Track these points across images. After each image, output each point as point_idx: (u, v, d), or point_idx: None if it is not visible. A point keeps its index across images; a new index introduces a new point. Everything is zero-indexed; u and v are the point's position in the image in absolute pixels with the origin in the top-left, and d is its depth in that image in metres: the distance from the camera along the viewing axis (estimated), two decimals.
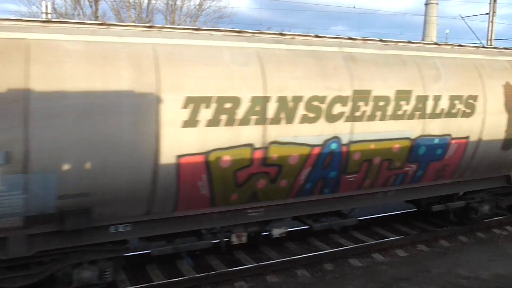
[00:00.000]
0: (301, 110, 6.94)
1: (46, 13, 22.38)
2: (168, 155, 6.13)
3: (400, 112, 7.88)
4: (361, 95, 7.48)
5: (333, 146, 7.35)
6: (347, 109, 7.34)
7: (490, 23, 23.73)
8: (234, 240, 7.59)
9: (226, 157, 6.52)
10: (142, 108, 5.94)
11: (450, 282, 8.11)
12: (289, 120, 6.87)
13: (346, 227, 9.68)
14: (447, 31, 75.60)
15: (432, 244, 9.83)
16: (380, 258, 9.01)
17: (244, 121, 6.53)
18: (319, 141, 7.19)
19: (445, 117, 8.41)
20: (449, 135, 8.52)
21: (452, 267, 8.68)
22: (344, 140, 7.41)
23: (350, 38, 8.09)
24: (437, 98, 8.25)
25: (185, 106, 6.14)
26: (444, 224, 10.73)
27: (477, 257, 9.21)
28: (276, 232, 7.92)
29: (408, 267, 8.65)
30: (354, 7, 34.68)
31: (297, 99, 6.92)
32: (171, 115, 6.08)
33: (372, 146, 7.71)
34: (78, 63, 5.67)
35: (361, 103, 7.48)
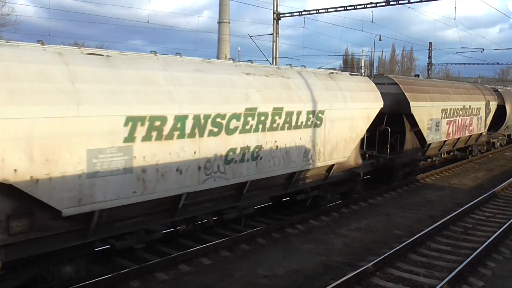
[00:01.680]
0: None
1: None
2: None
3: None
4: None
5: None
6: None
7: (274, 43, 26.19)
8: None
9: None
10: None
11: (251, 282, 8.62)
12: None
13: (152, 241, 9.59)
14: (239, 48, 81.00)
15: (234, 249, 10.33)
16: (186, 269, 9.12)
17: None
18: None
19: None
20: None
21: (252, 268, 9.24)
22: None
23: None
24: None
25: None
26: (243, 229, 11.35)
27: (274, 256, 9.97)
28: None
29: (213, 274, 8.95)
30: (147, 22, 34.81)
31: None
32: None
33: None
34: None
35: None
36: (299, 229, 11.95)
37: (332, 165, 12.33)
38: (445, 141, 19.76)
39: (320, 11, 27.08)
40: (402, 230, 12.01)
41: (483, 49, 46.18)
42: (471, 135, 22.70)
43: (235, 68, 10.06)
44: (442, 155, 22.88)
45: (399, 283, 8.69)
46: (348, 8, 26.02)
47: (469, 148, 24.39)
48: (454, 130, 20.22)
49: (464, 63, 69.32)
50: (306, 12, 27.55)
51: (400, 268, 9.42)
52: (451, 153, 23.77)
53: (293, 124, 10.70)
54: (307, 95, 11.13)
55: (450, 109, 19.68)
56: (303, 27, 28.86)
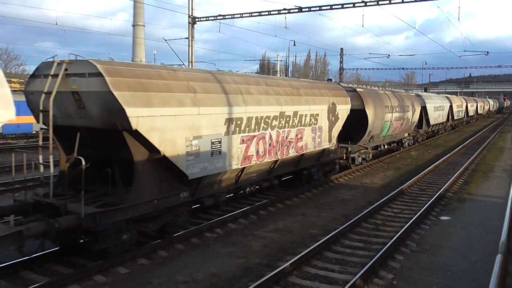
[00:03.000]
0: None
1: None
2: None
3: None
4: None
5: None
6: None
7: (190, 47, 26.09)
8: None
9: None
10: None
11: None
12: None
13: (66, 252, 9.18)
14: (155, 52, 79.78)
15: (152, 256, 10.15)
16: (102, 279, 8.82)
17: None
18: None
19: None
20: None
21: (171, 275, 9.13)
22: None
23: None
24: None
25: None
26: (161, 236, 11.18)
27: (192, 261, 9.92)
28: None
29: (130, 283, 8.73)
30: (56, 24, 33.09)
31: None
32: None
33: None
34: None
35: None
36: (218, 233, 11.97)
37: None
38: (243, 168, 12.75)
39: (235, 16, 27.38)
40: (318, 229, 12.41)
41: (389, 55, 49.07)
42: (303, 154, 15.74)
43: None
44: (248, 189, 14.28)
45: (315, 280, 8.97)
46: (262, 13, 26.54)
47: (306, 171, 17.48)
48: (262, 150, 13.21)
49: (373, 68, 73.20)
50: (221, 17, 27.75)
51: (316, 266, 9.72)
52: (267, 182, 15.18)
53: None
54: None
55: (250, 118, 12.43)
56: (219, 32, 29.01)
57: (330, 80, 30.33)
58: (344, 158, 21.13)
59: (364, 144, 22.93)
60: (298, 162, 16.02)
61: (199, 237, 11.52)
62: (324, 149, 17.26)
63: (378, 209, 14.36)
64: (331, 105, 17.26)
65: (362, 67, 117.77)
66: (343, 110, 18.42)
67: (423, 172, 20.97)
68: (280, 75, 53.76)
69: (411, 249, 10.87)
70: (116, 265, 9.43)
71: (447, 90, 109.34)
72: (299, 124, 15.07)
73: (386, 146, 28.77)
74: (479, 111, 78.34)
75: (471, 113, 65.80)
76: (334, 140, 17.91)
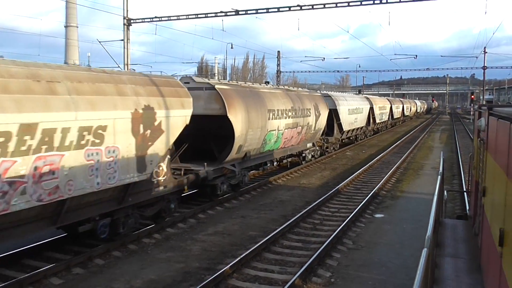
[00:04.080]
0: None
1: None
2: None
3: None
4: None
5: None
6: None
7: (125, 49, 25.53)
8: None
9: None
10: None
11: None
12: None
13: None
14: (89, 54, 77.41)
15: (88, 265, 9.81)
16: None
17: None
18: None
19: None
20: None
21: (108, 283, 8.87)
22: None
23: None
24: None
25: None
26: (97, 243, 10.85)
27: (130, 268, 9.68)
28: None
29: None
30: None
31: None
32: None
33: None
34: None
35: None
36: (156, 238, 11.76)
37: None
38: None
39: (171, 18, 27.07)
40: (257, 231, 12.48)
41: (324, 58, 50.15)
42: (64, 200, 8.99)
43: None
44: None
45: (255, 282, 9.01)
46: (199, 16, 26.40)
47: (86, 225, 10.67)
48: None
49: (309, 71, 74.81)
50: (158, 19, 27.35)
51: (256, 267, 9.76)
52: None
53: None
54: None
55: None
56: (155, 34, 28.55)
57: (267, 83, 30.34)
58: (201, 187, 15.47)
59: (235, 163, 16.35)
60: (59, 214, 9.19)
61: (136, 243, 11.27)
62: (130, 184, 10.66)
63: (315, 209, 14.63)
64: (141, 110, 10.73)
65: (299, 70, 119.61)
66: (177, 117, 12.03)
67: (358, 171, 21.60)
68: (218, 78, 53.64)
69: (348, 247, 11.15)
70: (49, 276, 9.04)
71: (379, 92, 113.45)
72: (45, 147, 8.29)
73: (277, 163, 23.17)
74: (405, 113, 72.43)
75: (396, 115, 60.31)
76: (154, 166, 11.40)
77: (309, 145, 24.21)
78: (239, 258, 9.78)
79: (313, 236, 12.01)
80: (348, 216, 13.23)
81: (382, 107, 48.03)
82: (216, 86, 15.39)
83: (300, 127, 21.57)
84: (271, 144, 18.69)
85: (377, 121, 45.39)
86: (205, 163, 14.78)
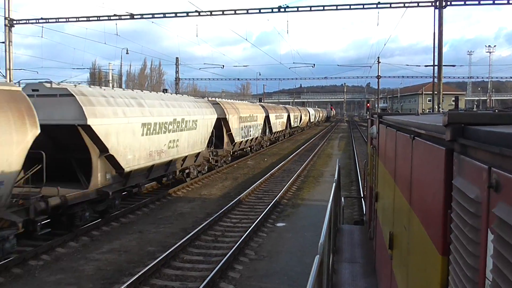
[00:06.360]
0: None
1: None
2: None
3: None
4: None
5: None
6: None
7: (7, 53, 23.52)
8: None
9: None
10: None
11: None
12: None
13: None
14: None
15: None
16: None
17: None
18: None
19: None
20: None
21: None
22: None
23: None
24: None
25: None
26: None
27: None
28: None
29: None
30: None
31: None
32: None
33: None
34: None
35: None
36: (45, 259, 10.79)
37: None
38: None
39: (60, 20, 25.51)
40: (156, 246, 11.93)
41: (223, 66, 50.40)
42: None
43: None
44: None
45: None
46: (91, 19, 25.16)
47: None
48: None
49: (209, 79, 74.80)
50: (44, 20, 25.61)
51: (155, 285, 9.28)
52: None
53: None
54: None
55: None
56: (42, 37, 26.59)
57: (166, 90, 29.28)
58: None
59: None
60: None
61: (22, 266, 10.24)
62: None
63: (217, 221, 14.36)
64: None
65: (199, 77, 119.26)
66: None
67: (260, 180, 21.68)
68: (113, 85, 51.68)
69: (249, 258, 11.00)
70: None
71: (280, 100, 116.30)
72: None
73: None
74: (292, 124, 57.65)
75: (294, 124, 54.98)
76: None
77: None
78: (136, 276, 9.22)
79: (215, 249, 11.72)
80: (250, 227, 13.12)
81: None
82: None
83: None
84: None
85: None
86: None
